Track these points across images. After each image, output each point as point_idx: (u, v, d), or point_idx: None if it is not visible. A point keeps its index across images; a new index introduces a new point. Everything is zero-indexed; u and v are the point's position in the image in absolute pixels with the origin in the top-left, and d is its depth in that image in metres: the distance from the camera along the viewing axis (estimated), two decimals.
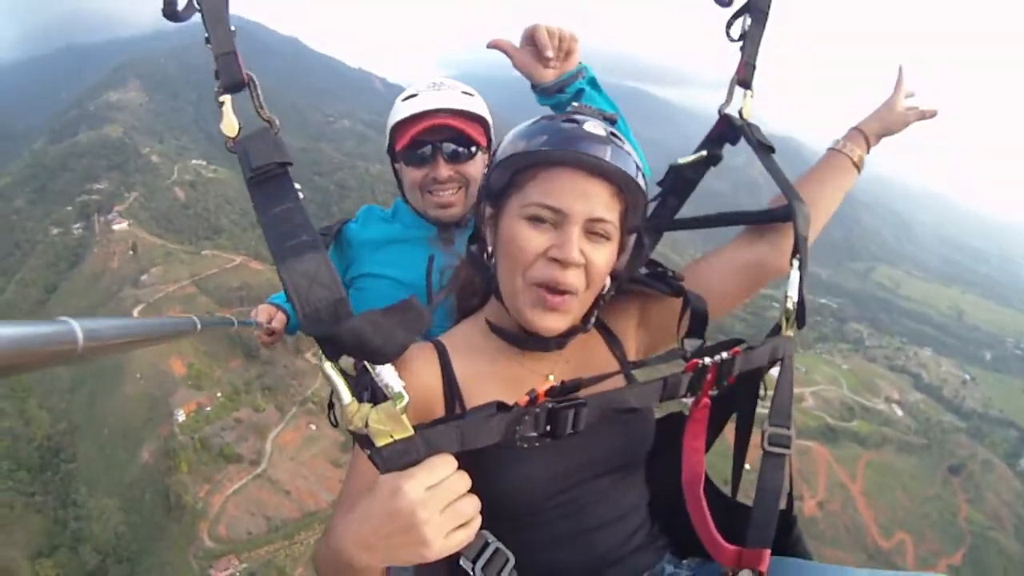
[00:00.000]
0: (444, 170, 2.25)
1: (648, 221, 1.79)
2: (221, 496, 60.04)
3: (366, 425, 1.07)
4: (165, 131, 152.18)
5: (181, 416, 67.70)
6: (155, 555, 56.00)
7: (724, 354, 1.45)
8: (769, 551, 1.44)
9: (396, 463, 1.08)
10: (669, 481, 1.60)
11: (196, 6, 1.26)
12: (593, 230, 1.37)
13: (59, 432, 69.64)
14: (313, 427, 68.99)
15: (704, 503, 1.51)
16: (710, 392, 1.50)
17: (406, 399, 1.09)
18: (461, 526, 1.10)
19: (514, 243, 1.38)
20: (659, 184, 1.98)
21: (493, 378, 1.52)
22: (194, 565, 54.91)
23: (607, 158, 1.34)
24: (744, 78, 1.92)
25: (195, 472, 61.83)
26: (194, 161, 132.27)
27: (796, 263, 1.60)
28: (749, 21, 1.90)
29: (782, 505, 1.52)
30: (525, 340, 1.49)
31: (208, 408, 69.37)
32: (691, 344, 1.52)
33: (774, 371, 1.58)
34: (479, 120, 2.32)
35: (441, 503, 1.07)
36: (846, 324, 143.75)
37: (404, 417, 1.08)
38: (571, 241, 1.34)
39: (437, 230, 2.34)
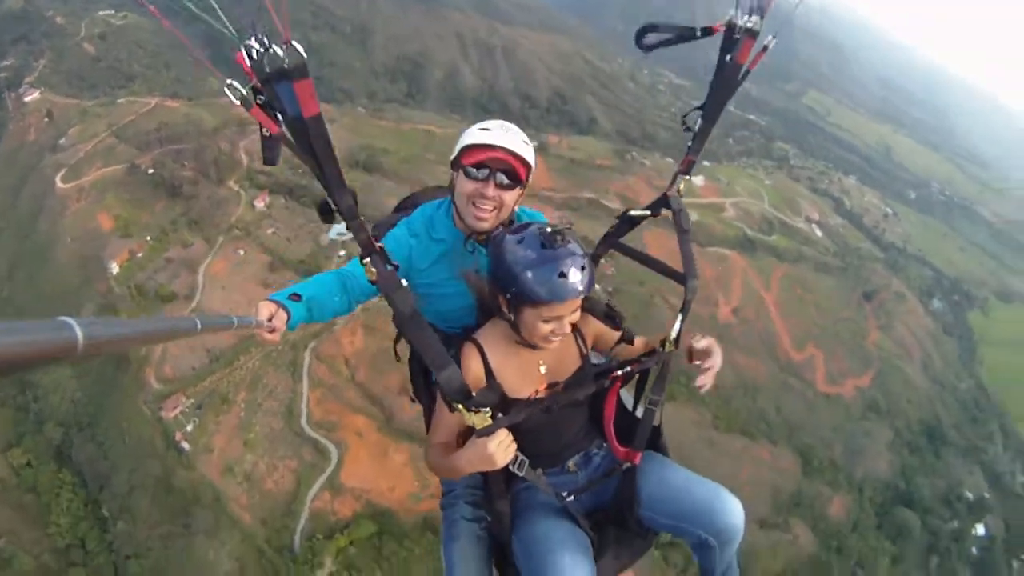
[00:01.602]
0: (491, 191, 3.06)
1: (604, 240, 3.48)
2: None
3: (473, 421, 2.58)
4: None
5: (115, 268, 67.13)
6: (110, 411, 57.00)
7: (628, 368, 2.99)
8: (642, 453, 3.05)
9: (484, 434, 2.58)
10: (599, 410, 3.17)
11: (337, 211, 2.36)
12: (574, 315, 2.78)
13: (5, 317, 67.87)
14: (241, 252, 69.48)
15: (612, 428, 3.08)
16: (621, 383, 3.14)
17: (490, 412, 2.59)
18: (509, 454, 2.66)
19: (536, 331, 2.72)
20: (617, 217, 3.40)
21: (510, 364, 2.92)
22: (145, 411, 56.24)
23: (584, 292, 2.63)
24: (685, 170, 3.17)
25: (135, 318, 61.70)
26: (102, 12, 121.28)
27: (680, 315, 3.00)
28: (700, 120, 3.04)
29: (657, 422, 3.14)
30: (536, 346, 2.85)
31: (140, 254, 68.64)
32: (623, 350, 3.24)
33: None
34: (527, 165, 3.11)
35: (502, 447, 2.61)
36: (773, 142, 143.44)
37: (488, 416, 2.57)
38: (566, 328, 2.77)
39: (465, 237, 3.20)
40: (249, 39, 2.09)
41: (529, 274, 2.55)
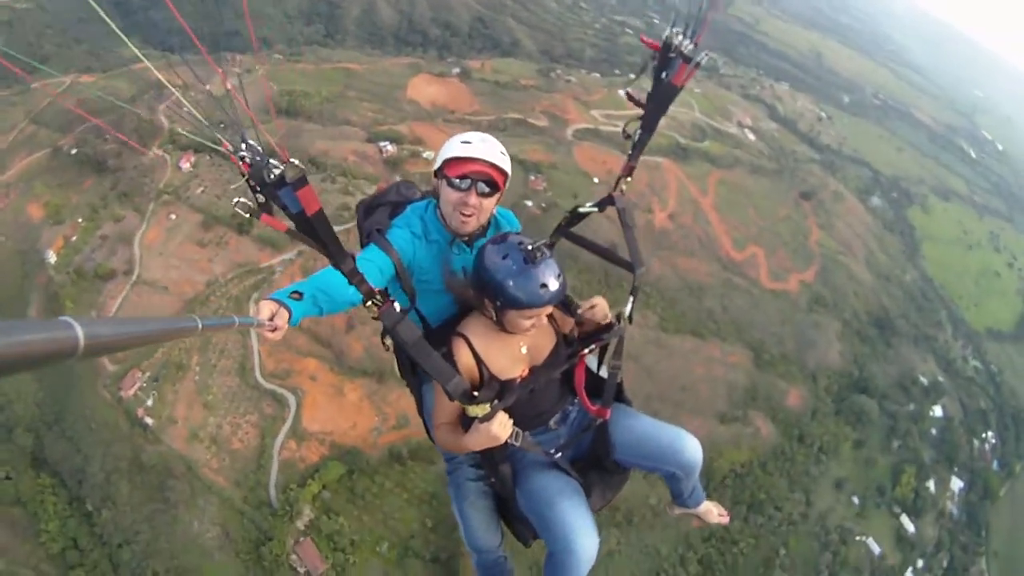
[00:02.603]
0: (473, 199, 3.50)
1: (556, 231, 3.98)
2: (109, 315, 59.34)
3: (475, 412, 3.16)
4: None
5: (52, 258, 65.41)
6: (73, 404, 56.03)
7: (592, 346, 3.62)
8: (610, 409, 3.70)
9: (485, 420, 3.15)
10: (569, 375, 3.77)
11: (341, 273, 2.80)
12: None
13: None
14: (173, 216, 68.32)
15: (583, 390, 3.70)
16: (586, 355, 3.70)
17: (488, 405, 3.15)
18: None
19: (518, 326, 3.27)
20: (568, 212, 3.94)
21: (495, 348, 3.42)
22: (105, 394, 55.59)
23: (560, 297, 3.20)
24: (626, 175, 3.78)
25: (80, 303, 60.94)
26: (2, 1, 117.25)
27: (632, 297, 3.71)
28: (640, 131, 3.60)
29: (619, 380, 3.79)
30: (514, 332, 3.36)
31: (74, 238, 66.97)
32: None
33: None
34: (505, 174, 3.56)
35: (503, 427, 3.18)
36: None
37: (488, 406, 3.14)
38: (543, 321, 3.37)
39: (452, 237, 3.69)
40: (241, 148, 2.47)
41: (515, 285, 3.11)
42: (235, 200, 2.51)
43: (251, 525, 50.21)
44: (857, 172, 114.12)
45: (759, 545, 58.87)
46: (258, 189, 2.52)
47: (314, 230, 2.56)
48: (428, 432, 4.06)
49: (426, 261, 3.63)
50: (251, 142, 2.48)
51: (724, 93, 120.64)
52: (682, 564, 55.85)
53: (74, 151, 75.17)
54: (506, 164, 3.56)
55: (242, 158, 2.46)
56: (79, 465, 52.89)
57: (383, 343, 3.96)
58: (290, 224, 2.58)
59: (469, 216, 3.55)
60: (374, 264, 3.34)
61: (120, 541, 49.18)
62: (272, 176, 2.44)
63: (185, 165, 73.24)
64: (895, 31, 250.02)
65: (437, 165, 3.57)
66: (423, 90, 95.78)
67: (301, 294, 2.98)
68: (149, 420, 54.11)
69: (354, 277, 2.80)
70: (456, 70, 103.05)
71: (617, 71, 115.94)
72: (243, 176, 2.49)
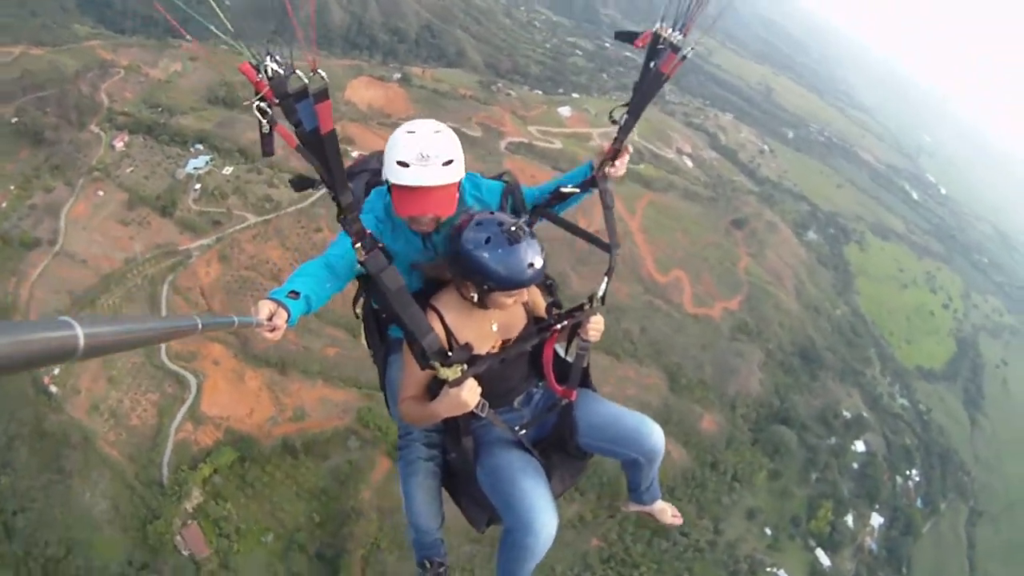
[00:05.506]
0: (427, 220, 3.40)
1: (535, 211, 3.98)
2: (27, 284, 59.46)
3: (447, 375, 3.12)
4: None
5: None
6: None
7: (564, 322, 3.65)
8: (576, 390, 3.82)
9: (456, 384, 3.13)
10: (537, 356, 3.85)
11: (338, 205, 2.88)
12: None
13: None
14: (101, 193, 68.49)
15: (551, 369, 3.80)
16: (557, 332, 3.73)
17: (459, 368, 3.14)
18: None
19: (503, 304, 3.31)
20: (549, 192, 4.02)
21: (466, 324, 3.45)
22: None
23: (541, 274, 3.21)
24: (610, 157, 3.86)
25: (1, 269, 60.52)
26: None
27: (606, 279, 3.82)
28: (626, 115, 3.70)
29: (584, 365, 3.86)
30: (495, 309, 3.41)
31: (4, 204, 66.51)
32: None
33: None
34: (454, 184, 3.32)
35: (472, 393, 3.17)
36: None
37: (458, 369, 3.13)
38: (524, 297, 3.45)
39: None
40: (266, 59, 2.47)
41: (501, 267, 3.09)
42: (254, 103, 2.52)
43: (140, 502, 50.15)
44: (795, 206, 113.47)
45: (662, 570, 57.78)
46: (277, 102, 2.53)
47: (323, 151, 2.60)
48: (387, 404, 4.16)
49: (393, 244, 3.46)
50: (278, 57, 2.53)
51: (666, 119, 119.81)
52: None
53: (14, 120, 74.74)
54: (453, 172, 3.25)
55: (265, 68, 2.50)
56: None
57: (354, 310, 4.06)
58: (299, 142, 2.62)
59: (425, 227, 3.48)
60: (342, 259, 3.33)
61: (15, 508, 48.65)
62: (294, 88, 2.48)
63: (119, 144, 73.46)
64: (849, 74, 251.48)
65: (386, 179, 3.31)
66: (361, 92, 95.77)
67: (298, 293, 2.99)
68: (54, 388, 53.90)
69: (350, 212, 2.86)
70: (397, 75, 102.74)
71: (561, 90, 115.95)
72: (256, 95, 2.54)
